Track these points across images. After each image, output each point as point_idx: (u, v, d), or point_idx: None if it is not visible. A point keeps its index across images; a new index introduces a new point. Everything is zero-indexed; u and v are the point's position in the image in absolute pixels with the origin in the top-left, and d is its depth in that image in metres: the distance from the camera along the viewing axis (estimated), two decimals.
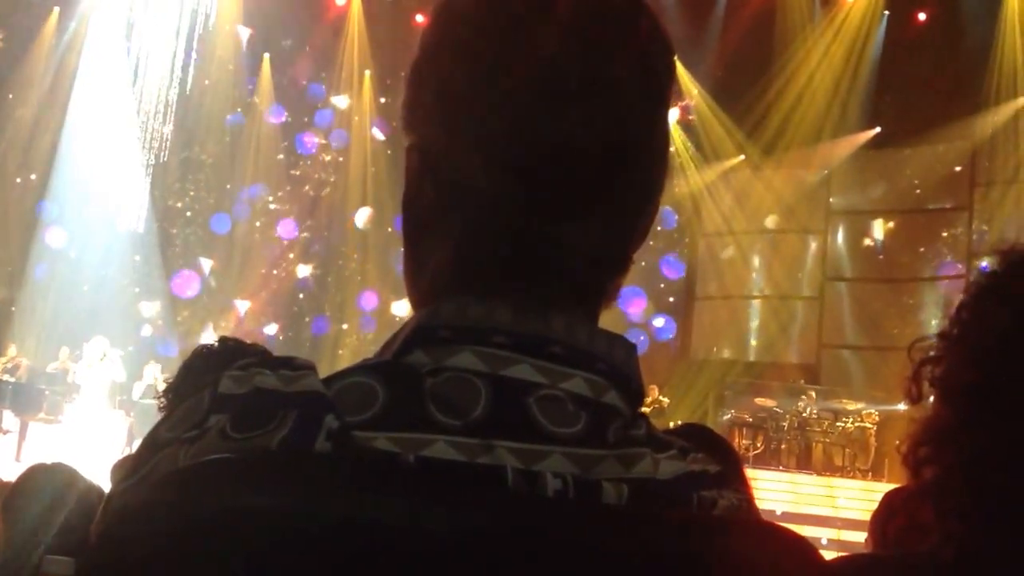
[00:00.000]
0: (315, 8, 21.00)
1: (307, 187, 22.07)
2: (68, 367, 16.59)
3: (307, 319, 22.12)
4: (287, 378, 0.73)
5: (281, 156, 21.93)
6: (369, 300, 21.27)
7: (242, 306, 21.32)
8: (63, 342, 17.60)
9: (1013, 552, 1.12)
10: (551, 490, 0.71)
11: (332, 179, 22.13)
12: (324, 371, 0.75)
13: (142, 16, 20.31)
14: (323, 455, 0.69)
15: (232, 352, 2.37)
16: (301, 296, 22.11)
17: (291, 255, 22.02)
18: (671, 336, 20.03)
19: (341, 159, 21.94)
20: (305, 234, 22.10)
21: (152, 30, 20.39)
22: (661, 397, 16.53)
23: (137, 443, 0.76)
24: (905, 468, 1.23)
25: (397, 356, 0.77)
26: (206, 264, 21.40)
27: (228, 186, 21.76)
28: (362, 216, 21.04)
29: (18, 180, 20.09)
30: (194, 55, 20.77)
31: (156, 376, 16.11)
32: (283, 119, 21.72)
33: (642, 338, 18.50)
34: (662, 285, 20.01)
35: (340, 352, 20.80)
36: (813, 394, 16.53)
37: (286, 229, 21.92)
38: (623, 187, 0.81)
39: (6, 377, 16.07)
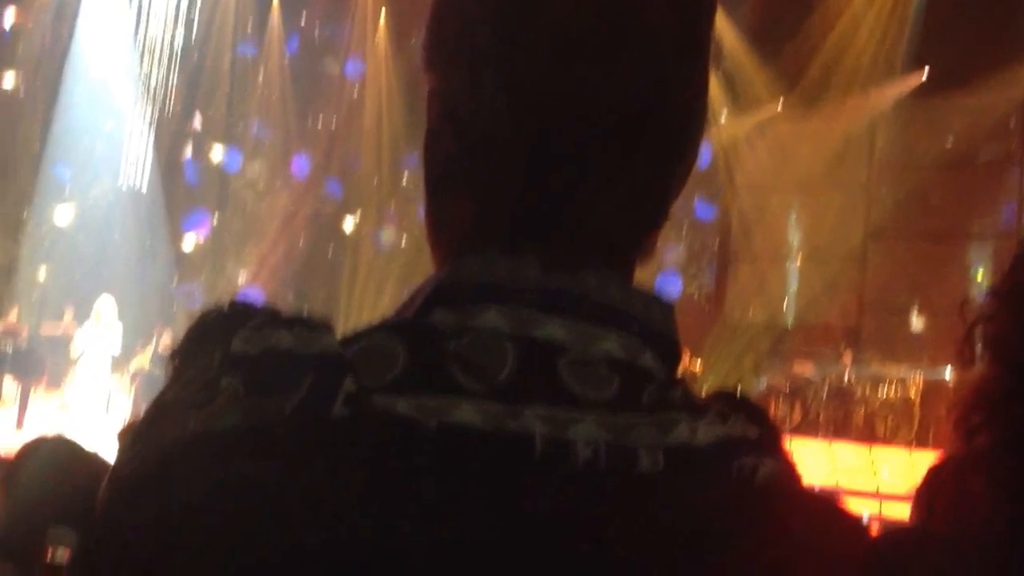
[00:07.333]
0: None
1: (319, 125, 22.06)
2: (72, 332, 16.64)
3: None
4: (303, 338, 0.72)
5: (292, 91, 21.97)
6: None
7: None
8: (67, 304, 17.62)
9: None
10: (582, 459, 0.70)
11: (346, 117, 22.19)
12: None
13: None
14: (340, 421, 0.68)
15: (243, 313, 2.38)
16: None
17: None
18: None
19: (355, 94, 21.89)
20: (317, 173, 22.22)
21: None
22: (695, 361, 16.44)
23: (143, 409, 0.75)
24: (955, 435, 1.22)
25: (418, 316, 0.76)
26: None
27: (239, 125, 21.82)
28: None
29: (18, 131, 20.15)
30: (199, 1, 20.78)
31: (164, 341, 16.21)
32: (295, 52, 21.67)
33: (673, 282, 18.50)
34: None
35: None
36: (852, 360, 16.42)
37: (299, 167, 21.98)
38: (655, 142, 0.80)
39: (7, 342, 16.16)
